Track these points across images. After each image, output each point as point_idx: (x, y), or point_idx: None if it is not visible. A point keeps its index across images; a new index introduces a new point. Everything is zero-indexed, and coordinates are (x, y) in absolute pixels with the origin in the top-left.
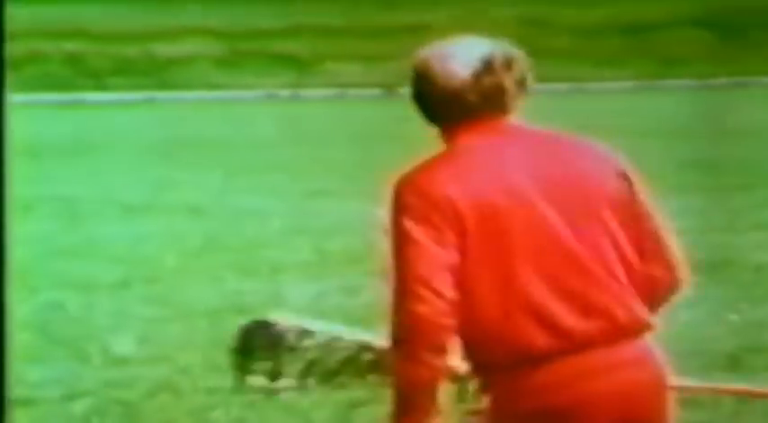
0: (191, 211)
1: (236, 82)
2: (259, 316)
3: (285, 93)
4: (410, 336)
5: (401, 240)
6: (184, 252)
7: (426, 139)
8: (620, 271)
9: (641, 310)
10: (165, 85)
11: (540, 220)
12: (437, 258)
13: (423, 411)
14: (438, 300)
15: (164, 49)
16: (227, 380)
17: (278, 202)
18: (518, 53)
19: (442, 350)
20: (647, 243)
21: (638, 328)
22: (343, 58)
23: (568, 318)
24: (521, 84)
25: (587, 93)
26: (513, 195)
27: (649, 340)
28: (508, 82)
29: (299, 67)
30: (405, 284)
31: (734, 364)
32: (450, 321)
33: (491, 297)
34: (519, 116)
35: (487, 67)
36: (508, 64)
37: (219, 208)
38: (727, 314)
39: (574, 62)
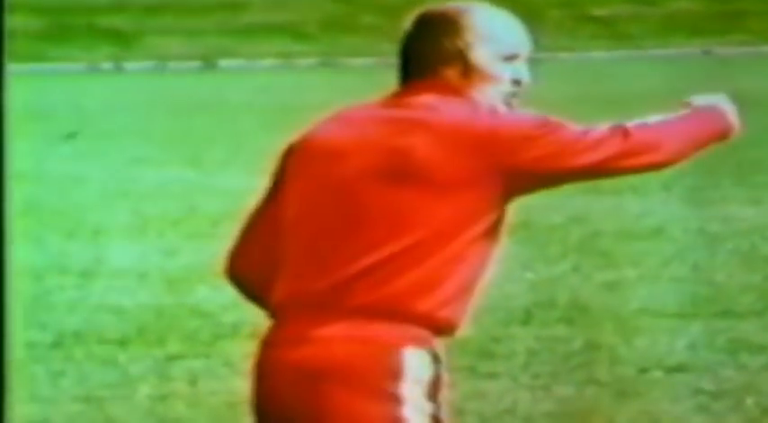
0: (13, 177)
1: (61, 55)
2: (82, 276)
3: (108, 65)
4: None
5: None
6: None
7: (244, 110)
8: None
9: None
10: None
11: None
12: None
13: None
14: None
15: None
16: (47, 335)
17: (100, 168)
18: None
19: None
20: None
21: None
22: (164, 32)
23: None
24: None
25: (393, 67)
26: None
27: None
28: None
29: (122, 41)
30: None
31: (528, 318)
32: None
33: None
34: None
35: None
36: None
37: (42, 174)
38: (523, 272)
39: (381, 38)
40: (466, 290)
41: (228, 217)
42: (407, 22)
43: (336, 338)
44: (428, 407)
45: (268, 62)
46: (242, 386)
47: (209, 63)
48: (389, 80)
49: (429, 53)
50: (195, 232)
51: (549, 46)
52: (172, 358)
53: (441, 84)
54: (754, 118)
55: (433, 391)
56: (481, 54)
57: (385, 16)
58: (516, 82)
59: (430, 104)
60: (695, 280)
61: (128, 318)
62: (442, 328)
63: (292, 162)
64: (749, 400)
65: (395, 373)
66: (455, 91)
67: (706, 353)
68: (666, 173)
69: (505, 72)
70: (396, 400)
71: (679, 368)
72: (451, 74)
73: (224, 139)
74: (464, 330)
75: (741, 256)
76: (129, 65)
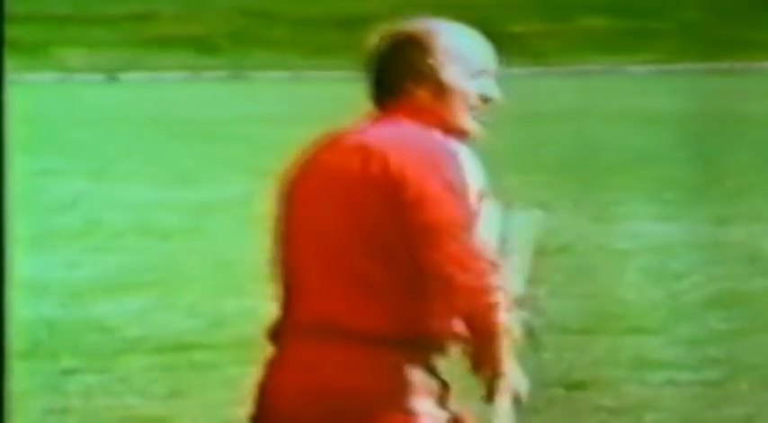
0: None
1: None
2: None
3: (12, 76)
4: None
5: None
6: None
7: (150, 122)
8: None
9: None
10: None
11: None
12: None
13: None
14: None
15: None
16: None
17: (2, 179)
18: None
19: None
20: None
21: None
22: (69, 43)
23: None
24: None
25: (303, 81)
26: None
27: None
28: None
29: (25, 52)
30: None
31: None
32: None
33: None
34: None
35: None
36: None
37: None
38: None
39: (291, 52)
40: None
41: (132, 230)
42: (374, 39)
43: (345, 360)
44: (442, 415)
45: (175, 75)
46: (137, 402)
47: (114, 75)
48: (299, 93)
49: (401, 73)
50: (99, 245)
51: None
52: (67, 373)
53: (413, 105)
54: (663, 135)
55: (443, 401)
56: (451, 73)
57: (294, 29)
58: (484, 98)
59: (396, 139)
60: (602, 296)
61: (25, 331)
62: (439, 343)
63: (290, 191)
64: (648, 417)
65: (408, 389)
66: (427, 111)
67: (609, 369)
68: (575, 189)
69: (474, 89)
70: (413, 414)
71: (581, 385)
72: (423, 93)
73: (129, 151)
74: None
75: (649, 274)
76: (34, 76)
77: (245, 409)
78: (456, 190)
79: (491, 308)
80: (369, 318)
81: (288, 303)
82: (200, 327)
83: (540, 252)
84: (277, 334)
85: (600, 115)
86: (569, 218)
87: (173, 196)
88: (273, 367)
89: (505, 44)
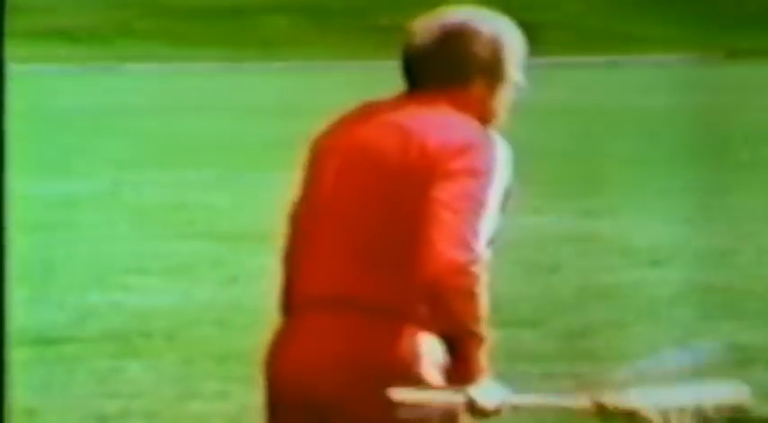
0: None
1: None
2: None
3: None
4: None
5: None
6: None
7: (15, 115)
8: None
9: None
10: None
11: None
12: None
13: None
14: None
15: None
16: None
17: None
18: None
19: None
20: None
21: None
22: None
23: None
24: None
25: (184, 73)
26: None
27: None
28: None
29: None
30: None
31: None
32: None
33: None
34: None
35: None
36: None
37: None
38: None
39: (175, 43)
40: None
41: None
42: (418, 28)
43: (358, 331)
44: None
45: (46, 67)
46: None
47: None
48: (167, 85)
49: (452, 62)
50: None
51: (338, 54)
52: None
53: (462, 94)
54: (534, 128)
55: (448, 375)
56: (511, 66)
57: (162, 21)
58: (520, 88)
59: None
60: None
61: None
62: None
63: (317, 158)
64: (524, 409)
65: (414, 357)
66: (477, 102)
67: None
68: None
69: (519, 80)
70: (418, 381)
71: None
72: (478, 85)
73: None
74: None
75: (523, 266)
76: None
77: (114, 402)
78: (480, 176)
79: (462, 291)
80: (382, 291)
81: (300, 274)
82: (68, 320)
83: None
84: (288, 305)
85: None
86: None
87: (41, 189)
88: (286, 338)
89: (375, 35)
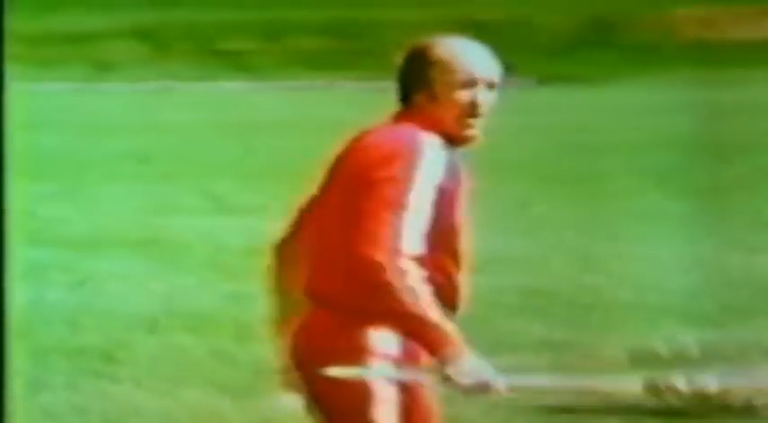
0: None
1: None
2: None
3: None
4: None
5: None
6: None
7: None
8: None
9: None
10: None
11: None
12: None
13: None
14: None
15: None
16: None
17: None
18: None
19: None
20: None
21: None
22: None
23: None
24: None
25: (36, 94)
26: None
27: None
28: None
29: None
30: None
31: (153, 326)
32: None
33: None
34: None
35: None
36: None
37: None
38: (150, 284)
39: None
40: None
41: None
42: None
43: (319, 325)
44: (399, 378)
45: None
46: None
47: None
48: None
49: (406, 83)
50: None
51: (178, 76)
52: None
53: (414, 110)
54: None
55: (403, 366)
56: (441, 82)
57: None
58: (474, 106)
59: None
60: None
61: None
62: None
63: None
64: None
65: (365, 350)
66: (424, 116)
67: None
68: (286, 193)
69: (463, 98)
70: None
71: None
72: (420, 101)
73: None
74: (89, 336)
75: None
76: None
77: None
78: (400, 182)
79: (388, 286)
80: (339, 290)
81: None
82: None
83: (257, 252)
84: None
85: (310, 127)
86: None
87: None
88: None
89: (216, 59)
